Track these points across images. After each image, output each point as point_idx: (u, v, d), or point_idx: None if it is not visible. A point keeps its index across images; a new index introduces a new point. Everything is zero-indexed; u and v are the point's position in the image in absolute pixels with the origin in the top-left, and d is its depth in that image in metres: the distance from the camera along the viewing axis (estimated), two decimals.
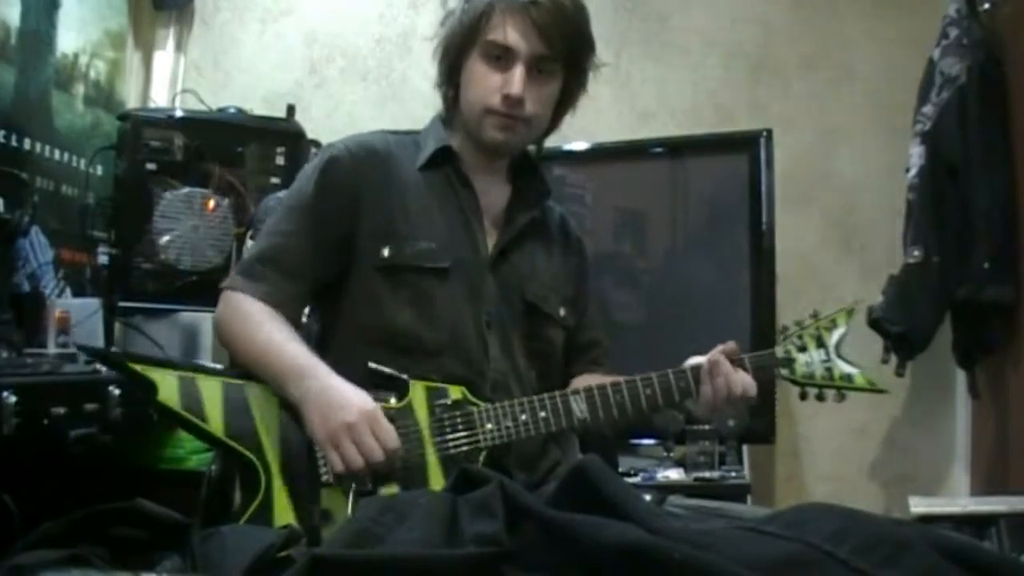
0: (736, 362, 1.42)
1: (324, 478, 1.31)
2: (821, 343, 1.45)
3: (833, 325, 1.46)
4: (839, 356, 1.45)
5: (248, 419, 1.33)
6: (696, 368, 1.42)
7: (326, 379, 1.33)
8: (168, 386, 1.32)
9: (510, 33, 1.43)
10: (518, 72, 1.44)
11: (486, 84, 1.45)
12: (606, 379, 1.45)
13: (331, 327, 1.49)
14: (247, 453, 1.31)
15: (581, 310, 1.64)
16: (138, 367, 1.33)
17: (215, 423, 1.32)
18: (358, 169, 1.48)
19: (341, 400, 1.30)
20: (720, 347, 1.43)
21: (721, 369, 1.40)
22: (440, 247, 1.45)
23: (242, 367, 1.40)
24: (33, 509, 1.57)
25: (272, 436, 1.33)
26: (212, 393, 1.33)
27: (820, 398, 1.46)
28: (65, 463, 1.86)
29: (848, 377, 1.45)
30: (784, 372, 1.45)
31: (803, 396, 1.47)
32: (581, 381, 1.56)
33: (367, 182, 1.47)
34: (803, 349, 1.45)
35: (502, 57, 1.44)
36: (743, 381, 1.40)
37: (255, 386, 1.36)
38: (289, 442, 1.33)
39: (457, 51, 1.48)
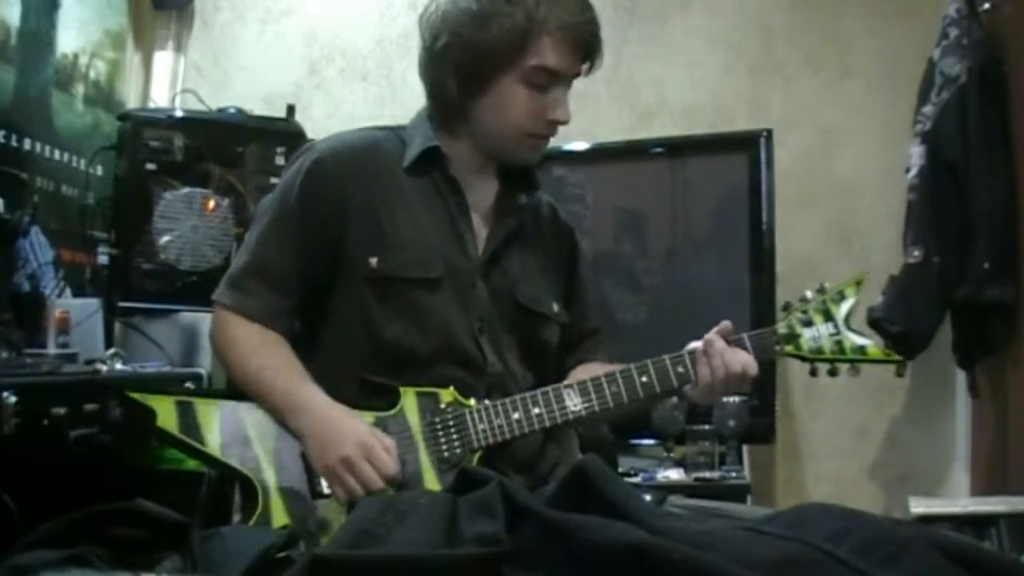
0: (733, 341, 1.39)
1: (319, 489, 1.33)
2: (829, 316, 1.40)
3: (841, 297, 1.40)
4: (849, 328, 1.39)
5: (244, 438, 1.35)
6: (693, 352, 1.39)
7: (320, 411, 1.34)
8: (166, 412, 1.34)
9: (558, 57, 1.39)
10: (565, 97, 1.42)
11: (529, 109, 1.41)
12: (603, 368, 1.43)
13: (318, 337, 1.46)
14: (244, 471, 1.33)
15: (575, 302, 1.62)
16: (137, 396, 1.36)
17: (213, 445, 1.34)
18: (342, 173, 1.43)
19: (335, 434, 1.31)
20: (715, 329, 1.40)
21: (716, 348, 1.37)
22: (430, 255, 1.42)
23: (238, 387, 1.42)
24: (33, 509, 1.57)
25: (268, 453, 1.34)
26: (209, 416, 1.35)
27: (832, 373, 1.40)
28: (65, 463, 1.86)
29: (861, 349, 1.39)
30: (788, 348, 1.39)
31: (813, 372, 1.41)
32: (580, 372, 1.54)
33: (352, 187, 1.43)
34: (809, 324, 1.40)
35: (544, 80, 1.40)
36: (741, 359, 1.37)
37: (250, 405, 1.38)
38: (285, 457, 1.34)
39: (489, 68, 1.40)
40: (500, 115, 1.42)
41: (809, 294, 1.42)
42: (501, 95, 1.41)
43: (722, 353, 1.37)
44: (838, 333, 1.40)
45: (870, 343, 1.40)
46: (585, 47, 1.41)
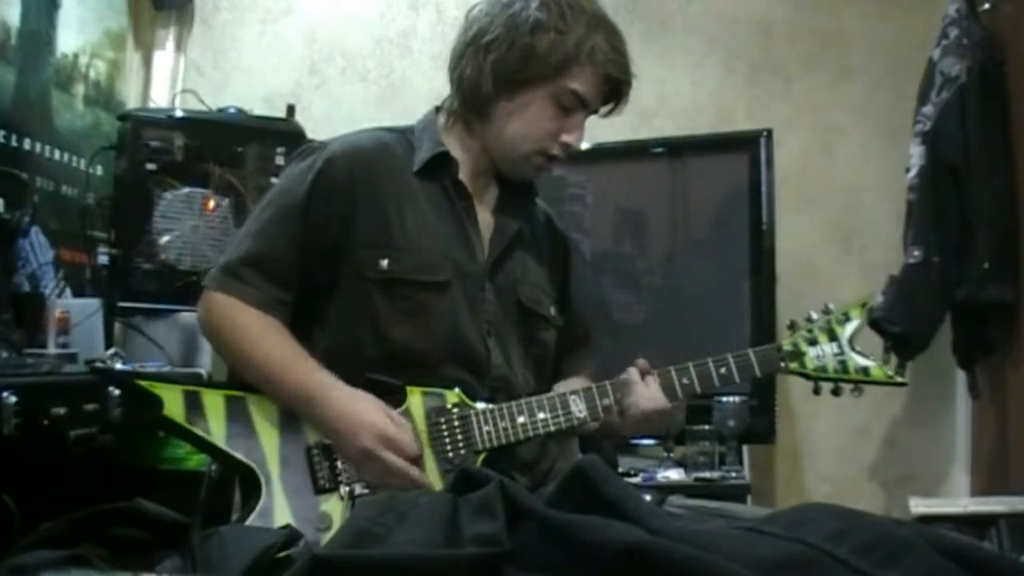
0: (737, 356, 1.41)
1: (321, 484, 1.34)
2: (833, 336, 1.42)
3: (846, 318, 1.43)
4: (853, 349, 1.41)
5: (250, 430, 1.36)
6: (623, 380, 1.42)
7: (332, 405, 1.34)
8: (173, 401, 1.34)
9: (592, 88, 1.44)
10: (582, 123, 1.46)
11: (549, 126, 1.44)
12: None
13: (318, 338, 1.45)
14: (249, 463, 1.33)
15: (569, 308, 1.64)
16: (145, 384, 1.36)
17: (218, 436, 1.35)
18: (353, 176, 1.44)
19: (350, 427, 1.33)
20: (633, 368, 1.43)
21: (632, 389, 1.41)
22: (439, 258, 1.43)
23: (239, 374, 1.42)
24: (33, 509, 1.57)
25: (272, 445, 1.35)
26: (215, 406, 1.36)
27: (836, 392, 1.42)
28: (65, 463, 1.86)
29: (864, 370, 1.41)
30: (793, 366, 1.41)
31: (816, 391, 1.44)
32: (570, 383, 1.55)
33: (362, 190, 1.43)
34: (813, 342, 1.42)
35: (572, 104, 1.44)
36: (653, 396, 1.40)
37: (255, 397, 1.38)
38: (289, 450, 1.35)
39: (528, 75, 1.42)
40: (520, 124, 1.44)
41: (814, 314, 1.44)
42: (528, 105, 1.43)
43: (636, 387, 1.40)
44: (842, 353, 1.42)
45: (874, 364, 1.42)
46: (616, 91, 1.48)
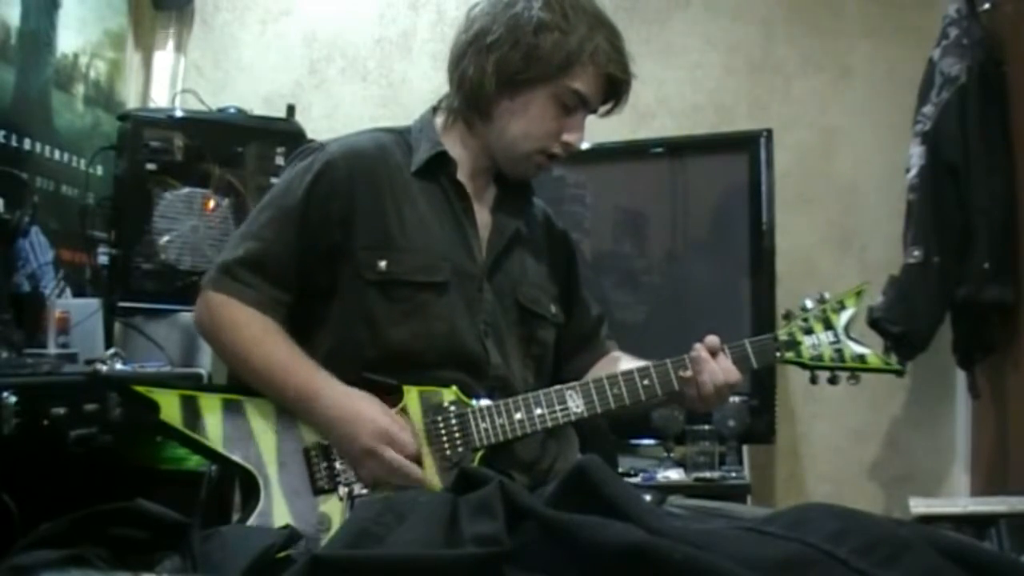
0: (734, 347, 1.41)
1: (320, 484, 1.34)
2: (829, 325, 1.42)
3: (841, 306, 1.42)
4: (849, 337, 1.41)
5: (247, 433, 1.35)
6: (695, 356, 1.41)
7: (332, 405, 1.35)
8: (170, 405, 1.34)
9: (593, 88, 1.44)
10: (583, 122, 1.47)
11: (548, 126, 1.44)
12: (627, 359, 1.47)
13: (315, 339, 1.44)
14: (246, 465, 1.33)
15: (578, 301, 1.64)
16: (142, 389, 1.36)
17: (215, 439, 1.34)
18: (352, 179, 1.43)
19: (352, 428, 1.33)
20: (703, 343, 1.42)
21: (703, 363, 1.39)
22: (437, 259, 1.43)
23: (237, 374, 1.42)
24: (33, 509, 1.58)
25: (271, 448, 1.35)
26: (212, 410, 1.35)
27: (832, 381, 1.42)
28: (65, 463, 1.86)
29: (861, 357, 1.41)
30: (789, 355, 1.41)
31: (814, 380, 1.43)
32: (605, 364, 1.57)
33: (361, 192, 1.43)
34: (809, 332, 1.41)
35: (574, 104, 1.44)
36: (724, 369, 1.39)
37: (253, 400, 1.38)
38: (286, 452, 1.35)
39: (531, 75, 1.42)
40: (522, 123, 1.44)
41: (809, 303, 1.44)
42: (530, 104, 1.44)
43: (707, 364, 1.39)
44: (838, 342, 1.41)
45: (870, 352, 1.41)
46: (616, 91, 1.49)
